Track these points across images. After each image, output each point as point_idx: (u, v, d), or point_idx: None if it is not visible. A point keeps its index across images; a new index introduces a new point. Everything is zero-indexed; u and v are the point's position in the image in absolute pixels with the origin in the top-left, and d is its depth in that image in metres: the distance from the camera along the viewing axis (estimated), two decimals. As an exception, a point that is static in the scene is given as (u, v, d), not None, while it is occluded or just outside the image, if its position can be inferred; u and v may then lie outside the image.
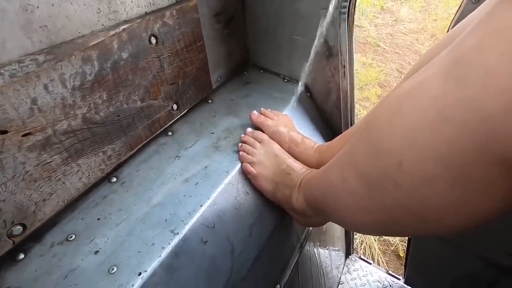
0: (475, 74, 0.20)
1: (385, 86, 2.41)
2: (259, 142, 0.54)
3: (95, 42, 0.40)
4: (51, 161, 0.38)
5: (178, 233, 0.42)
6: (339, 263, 1.02)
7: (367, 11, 3.31)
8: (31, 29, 0.35)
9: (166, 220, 0.43)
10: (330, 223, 0.84)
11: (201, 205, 0.45)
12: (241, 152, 0.54)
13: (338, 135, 0.56)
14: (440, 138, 0.22)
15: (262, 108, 0.62)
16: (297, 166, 0.51)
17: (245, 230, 0.49)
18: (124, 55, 0.44)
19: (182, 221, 0.43)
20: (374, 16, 3.31)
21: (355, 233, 1.15)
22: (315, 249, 0.74)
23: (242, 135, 0.56)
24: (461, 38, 0.22)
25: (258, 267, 0.51)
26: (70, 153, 0.40)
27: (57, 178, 0.40)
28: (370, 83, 2.44)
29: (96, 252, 0.39)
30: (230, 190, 0.50)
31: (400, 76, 2.50)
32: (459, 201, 0.23)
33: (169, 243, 0.41)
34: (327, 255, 0.87)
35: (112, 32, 0.42)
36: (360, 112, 2.13)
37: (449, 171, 0.22)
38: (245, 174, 0.52)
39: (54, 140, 0.38)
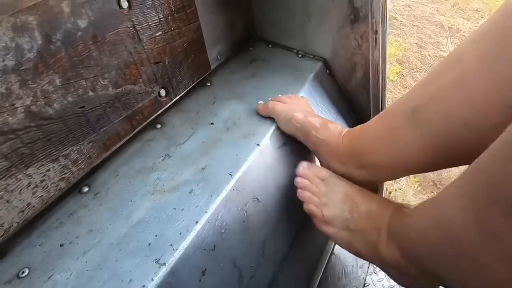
0: None
1: (404, 62, 2.23)
2: (319, 179, 0.42)
3: (33, 3, 0.28)
4: (-18, 175, 0.28)
5: (164, 264, 0.31)
6: (363, 262, 0.92)
7: (381, -19, 3.08)
8: None
9: (149, 244, 0.32)
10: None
11: (197, 222, 0.34)
12: (299, 190, 0.42)
13: (365, 121, 0.43)
14: None
15: (270, 98, 0.49)
16: (377, 201, 0.38)
17: (255, 249, 0.38)
18: (82, 23, 0.32)
19: (171, 245, 0.32)
20: (390, -14, 3.08)
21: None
22: (341, 256, 0.63)
23: (299, 169, 0.44)
24: None
25: (274, 293, 0.40)
26: (12, 161, 0.30)
27: (-4, 196, 0.29)
28: (388, 60, 2.26)
29: (55, 294, 0.29)
30: (235, 198, 0.38)
31: (420, 51, 2.30)
32: None
33: (153, 279, 0.30)
34: (351, 255, 0.76)
35: (59, -10, 0.30)
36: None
37: None
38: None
39: (-18, 145, 0.27)
